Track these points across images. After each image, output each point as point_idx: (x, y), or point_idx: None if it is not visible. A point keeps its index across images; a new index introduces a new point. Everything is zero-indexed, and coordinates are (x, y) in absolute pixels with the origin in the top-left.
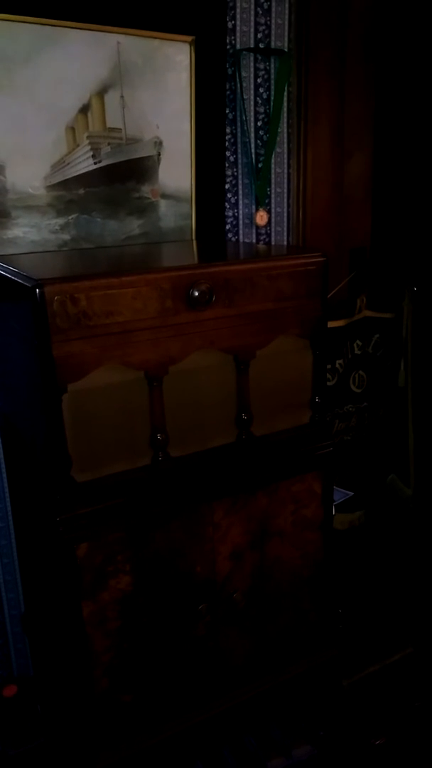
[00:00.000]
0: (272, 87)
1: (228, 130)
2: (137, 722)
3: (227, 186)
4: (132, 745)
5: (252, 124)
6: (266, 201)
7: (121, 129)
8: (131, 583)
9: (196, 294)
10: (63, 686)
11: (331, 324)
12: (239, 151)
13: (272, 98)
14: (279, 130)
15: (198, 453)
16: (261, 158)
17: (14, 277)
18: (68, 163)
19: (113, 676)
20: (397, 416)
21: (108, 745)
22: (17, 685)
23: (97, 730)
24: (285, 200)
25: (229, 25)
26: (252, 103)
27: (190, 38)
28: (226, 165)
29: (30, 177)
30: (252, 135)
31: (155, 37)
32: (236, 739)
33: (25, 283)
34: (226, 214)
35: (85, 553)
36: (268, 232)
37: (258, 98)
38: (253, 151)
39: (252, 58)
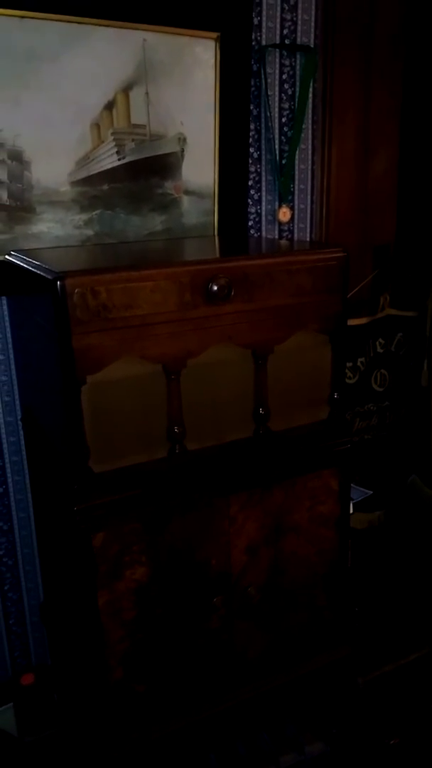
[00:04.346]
0: (297, 83)
1: (252, 126)
2: (151, 712)
3: (250, 182)
4: (145, 735)
5: (276, 121)
6: (289, 197)
7: (145, 125)
8: (146, 574)
9: (215, 288)
10: (79, 675)
11: (353, 322)
12: (263, 147)
13: (297, 94)
14: (303, 126)
15: (215, 447)
16: (285, 155)
17: (37, 270)
18: (93, 159)
19: (128, 665)
20: (420, 416)
21: (121, 734)
22: (35, 673)
23: (111, 718)
24: (308, 197)
25: (255, 21)
26: (277, 99)
27: (215, 35)
28: (250, 161)
29: (55, 173)
30: (276, 131)
31: (181, 34)
32: (250, 733)
33: (47, 276)
34: (249, 210)
35: (102, 543)
36: (291, 228)
37: (283, 94)
38: (277, 147)
39: (277, 54)
